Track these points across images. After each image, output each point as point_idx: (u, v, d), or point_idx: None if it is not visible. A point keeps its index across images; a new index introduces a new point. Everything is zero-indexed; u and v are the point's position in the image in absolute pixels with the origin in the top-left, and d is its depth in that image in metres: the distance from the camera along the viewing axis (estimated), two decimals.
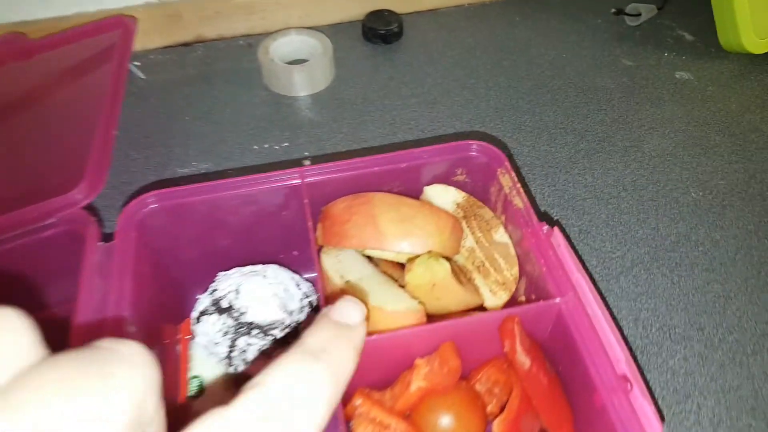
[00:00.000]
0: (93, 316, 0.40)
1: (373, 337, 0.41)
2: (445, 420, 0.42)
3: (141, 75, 0.79)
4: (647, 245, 0.63)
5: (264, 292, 0.49)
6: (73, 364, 0.18)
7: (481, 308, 0.49)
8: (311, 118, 0.74)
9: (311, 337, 0.25)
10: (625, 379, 0.39)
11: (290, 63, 0.78)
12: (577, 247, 0.62)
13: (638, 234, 0.64)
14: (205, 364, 0.51)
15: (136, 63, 0.81)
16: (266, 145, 0.71)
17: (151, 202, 0.48)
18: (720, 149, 0.73)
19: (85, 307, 0.40)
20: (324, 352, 0.24)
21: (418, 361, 0.43)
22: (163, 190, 0.48)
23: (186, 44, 0.84)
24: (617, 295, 0.59)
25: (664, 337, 0.56)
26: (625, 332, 0.56)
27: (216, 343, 0.48)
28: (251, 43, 0.83)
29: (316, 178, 0.51)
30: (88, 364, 0.18)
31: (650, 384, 0.53)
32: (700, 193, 0.68)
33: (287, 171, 0.50)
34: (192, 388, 0.50)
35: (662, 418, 0.51)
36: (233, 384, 0.50)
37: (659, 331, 0.56)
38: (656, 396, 0.52)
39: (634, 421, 0.37)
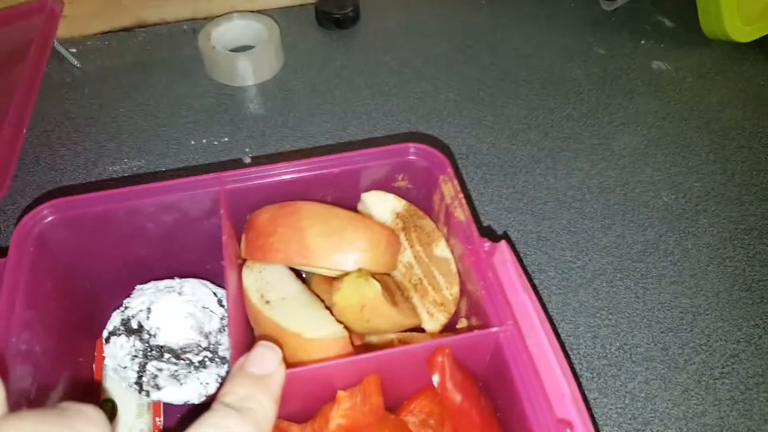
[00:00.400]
0: None
1: (290, 370, 0.37)
2: None
3: (76, 63, 0.74)
4: (611, 254, 0.58)
5: (177, 312, 0.45)
6: (42, 420, 0.20)
7: (418, 329, 0.45)
8: (255, 111, 0.69)
9: (231, 394, 0.27)
10: (565, 423, 0.35)
11: (235, 50, 0.72)
12: (534, 256, 0.58)
13: (602, 242, 0.59)
14: (118, 387, 0.46)
15: (72, 50, 0.75)
16: (204, 141, 0.66)
17: (47, 214, 0.43)
18: (697, 147, 0.68)
19: None
20: (244, 406, 0.26)
21: (340, 395, 0.39)
22: (61, 200, 0.43)
23: (126, 29, 0.78)
24: (575, 310, 0.54)
25: (624, 358, 0.52)
26: (582, 352, 0.52)
27: (124, 367, 0.43)
28: (195, 28, 0.77)
29: (237, 185, 0.46)
30: (57, 421, 0.20)
31: (606, 410, 0.49)
32: (673, 197, 0.63)
33: (204, 177, 0.45)
34: (104, 412, 0.45)
35: None
36: (147, 410, 0.46)
37: (619, 351, 0.52)
38: (612, 423, 0.48)
39: None
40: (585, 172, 0.64)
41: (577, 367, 0.51)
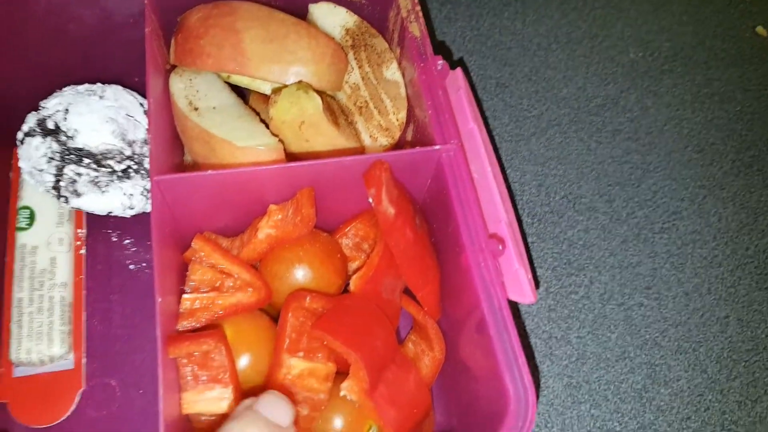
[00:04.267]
0: None
1: (220, 171, 0.36)
2: (297, 272, 0.39)
3: None
4: (569, 106, 0.58)
5: (97, 115, 0.43)
6: None
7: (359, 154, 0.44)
8: None
9: None
10: (497, 239, 0.36)
11: None
12: (490, 102, 0.57)
13: (562, 93, 0.59)
14: (36, 193, 0.45)
15: None
16: None
17: None
18: (673, 6, 0.67)
19: None
20: None
21: (271, 207, 0.38)
22: None
23: None
24: (524, 158, 0.55)
25: (567, 206, 0.53)
26: (526, 198, 0.53)
27: (40, 170, 0.42)
28: None
29: None
30: None
31: (543, 254, 0.51)
32: (640, 54, 0.62)
33: None
34: (21, 219, 0.44)
35: (537, 286, 0.49)
36: (68, 218, 0.45)
37: (563, 200, 0.53)
38: (547, 266, 0.50)
39: (498, 284, 0.34)
40: (554, 21, 0.63)
41: (519, 212, 0.52)
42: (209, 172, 0.36)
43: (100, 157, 0.42)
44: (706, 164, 0.57)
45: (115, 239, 0.46)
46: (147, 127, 0.44)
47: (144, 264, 0.45)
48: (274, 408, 0.27)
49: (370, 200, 0.37)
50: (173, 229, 0.38)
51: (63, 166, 0.42)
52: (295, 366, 0.35)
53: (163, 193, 0.36)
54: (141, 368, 0.42)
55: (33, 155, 0.42)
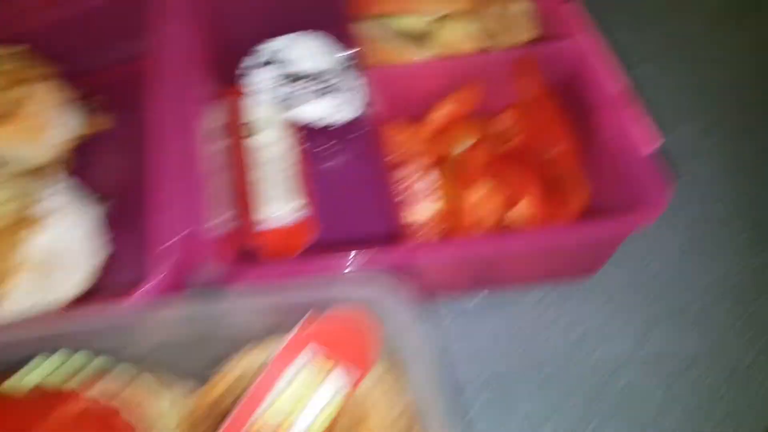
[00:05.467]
0: None
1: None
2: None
3: None
4: None
5: (309, 51, 0.60)
6: None
7: None
8: None
9: None
10: (621, 97, 0.48)
11: None
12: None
13: None
14: (261, 108, 0.59)
15: None
16: None
17: None
18: None
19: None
20: None
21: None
22: None
23: None
24: None
25: None
26: None
27: (265, 90, 0.59)
28: None
29: None
30: None
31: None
32: None
33: None
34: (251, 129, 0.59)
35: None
36: (286, 126, 0.61)
37: None
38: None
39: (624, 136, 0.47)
40: None
41: None
42: (414, 61, 0.53)
43: (312, 79, 0.59)
44: None
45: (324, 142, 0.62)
46: (343, 59, 0.61)
47: (347, 159, 0.60)
48: None
49: (517, 85, 0.53)
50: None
51: (283, 86, 0.58)
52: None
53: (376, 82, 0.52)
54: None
55: (259, 79, 0.59)
